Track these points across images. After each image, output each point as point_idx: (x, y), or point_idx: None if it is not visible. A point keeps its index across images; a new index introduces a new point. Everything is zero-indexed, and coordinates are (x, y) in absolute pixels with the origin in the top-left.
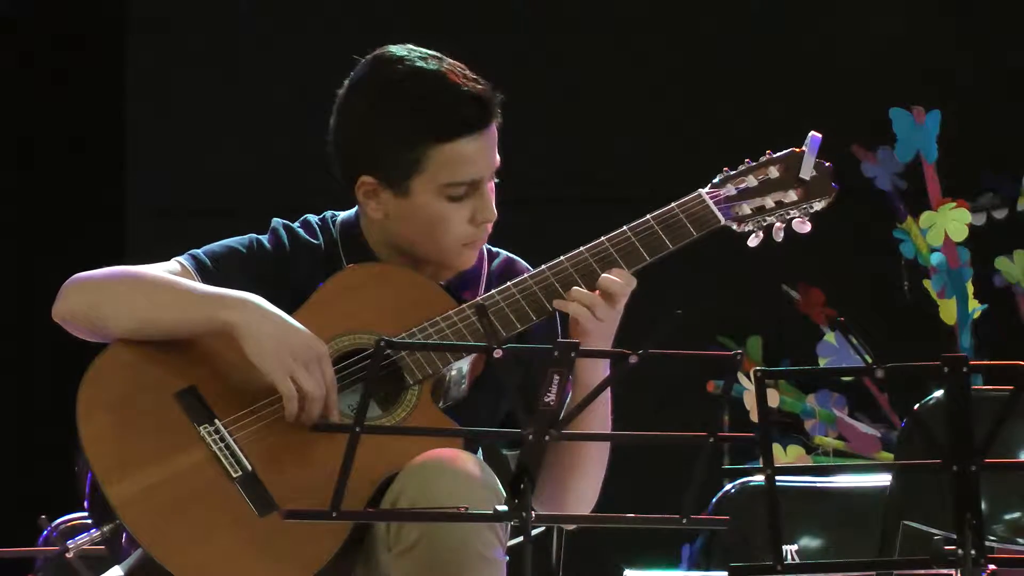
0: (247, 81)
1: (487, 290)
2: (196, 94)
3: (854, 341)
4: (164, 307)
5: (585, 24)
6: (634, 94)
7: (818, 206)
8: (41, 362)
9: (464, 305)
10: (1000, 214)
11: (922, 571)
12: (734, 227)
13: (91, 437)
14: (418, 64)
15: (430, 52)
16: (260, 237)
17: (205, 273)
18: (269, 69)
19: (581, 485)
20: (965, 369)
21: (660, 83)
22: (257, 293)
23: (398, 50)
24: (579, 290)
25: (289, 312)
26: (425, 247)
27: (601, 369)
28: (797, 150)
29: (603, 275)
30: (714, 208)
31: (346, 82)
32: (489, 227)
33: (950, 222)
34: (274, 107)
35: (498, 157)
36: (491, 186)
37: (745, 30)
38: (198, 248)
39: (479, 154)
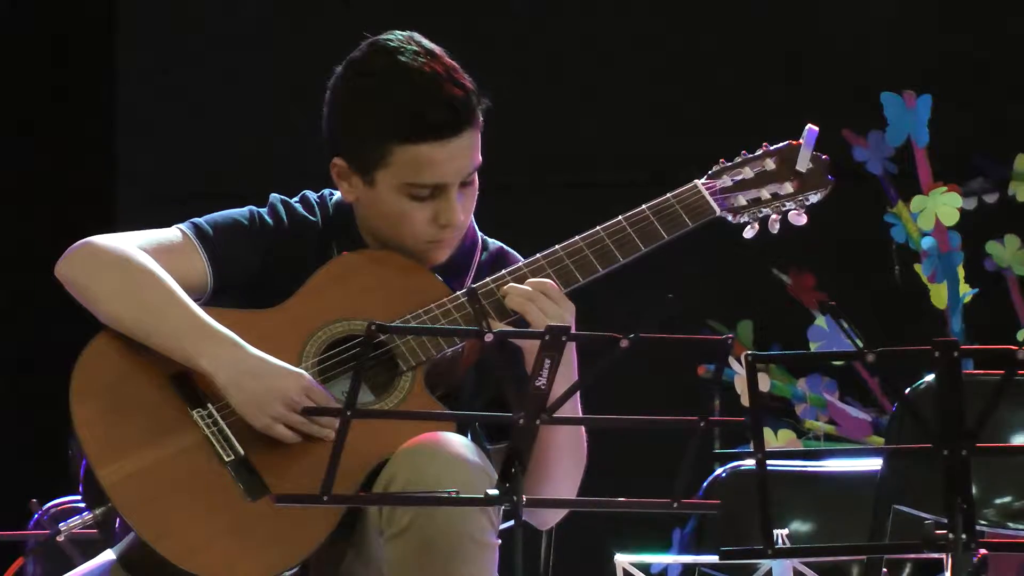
0: (244, 65)
1: (476, 280)
2: (189, 78)
3: (845, 325)
4: (146, 326)
5: (581, 8)
6: (628, 78)
7: (814, 199)
8: (35, 347)
9: (458, 293)
10: (991, 198)
11: (913, 555)
12: (729, 218)
13: (84, 420)
14: (405, 60)
15: (427, 47)
16: (260, 210)
17: (206, 242)
18: (267, 53)
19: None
20: (956, 353)
21: (652, 67)
22: (254, 264)
23: (396, 40)
24: (513, 285)
25: (285, 295)
26: (391, 239)
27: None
28: (794, 143)
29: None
30: (710, 199)
31: (345, 60)
32: (455, 230)
33: (941, 206)
34: (271, 95)
35: (478, 158)
36: (471, 187)
37: (738, 14)
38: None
39: (446, 160)
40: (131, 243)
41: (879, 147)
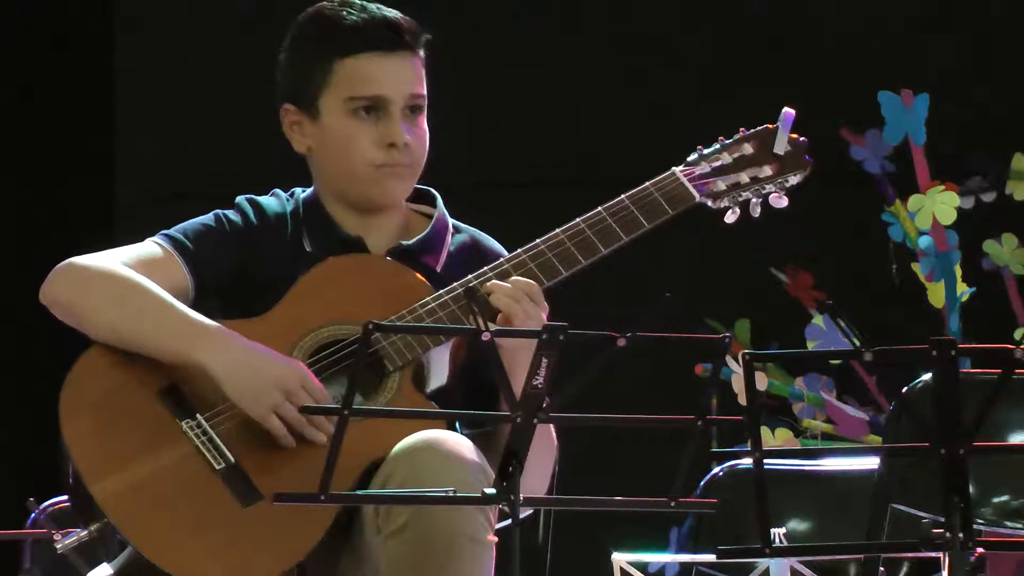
0: (237, 64)
1: (447, 260)
2: (186, 77)
3: (842, 324)
4: (140, 331)
5: (579, 6)
6: (617, 74)
7: (793, 180)
8: (33, 346)
9: (443, 291)
10: (988, 197)
11: (910, 554)
12: (709, 204)
13: (75, 437)
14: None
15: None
16: (226, 212)
17: (184, 251)
18: (267, 52)
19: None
20: (953, 352)
21: (644, 64)
22: (232, 264)
23: None
24: (498, 284)
25: (265, 290)
26: (345, 180)
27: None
28: (770, 126)
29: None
30: (688, 185)
31: None
32: (403, 153)
33: (938, 205)
34: (271, 95)
35: (422, 87)
36: (418, 121)
37: (733, 11)
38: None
39: (385, 74)
40: (112, 259)
41: (877, 146)
